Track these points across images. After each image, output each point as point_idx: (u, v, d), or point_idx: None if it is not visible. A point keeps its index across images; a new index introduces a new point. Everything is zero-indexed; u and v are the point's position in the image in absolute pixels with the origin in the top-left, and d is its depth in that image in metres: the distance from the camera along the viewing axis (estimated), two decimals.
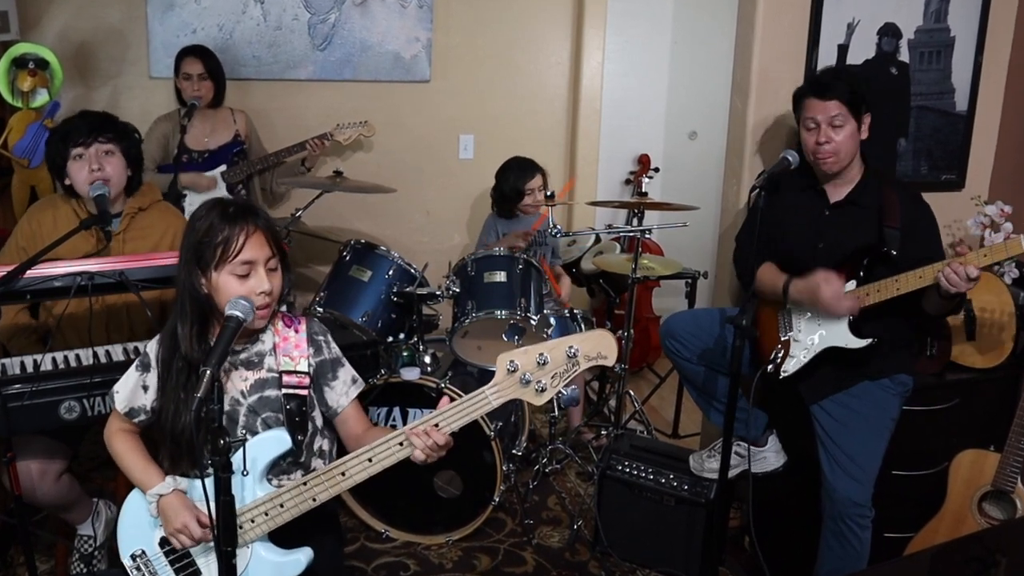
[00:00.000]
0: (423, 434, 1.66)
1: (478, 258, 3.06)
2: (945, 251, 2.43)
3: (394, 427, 2.83)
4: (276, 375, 1.82)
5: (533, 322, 2.94)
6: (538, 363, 1.62)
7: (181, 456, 1.79)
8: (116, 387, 1.86)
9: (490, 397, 1.65)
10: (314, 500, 1.72)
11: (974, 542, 1.95)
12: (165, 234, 2.49)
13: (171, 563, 1.78)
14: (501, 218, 3.69)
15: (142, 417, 1.84)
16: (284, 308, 1.89)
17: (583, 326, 3.40)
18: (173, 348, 1.78)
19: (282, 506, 1.73)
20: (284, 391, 1.81)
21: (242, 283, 1.72)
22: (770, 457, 2.63)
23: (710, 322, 2.62)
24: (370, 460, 1.70)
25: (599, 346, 1.63)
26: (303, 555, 1.77)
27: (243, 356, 1.82)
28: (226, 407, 1.79)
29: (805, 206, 2.48)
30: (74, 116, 2.45)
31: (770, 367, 2.41)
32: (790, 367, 2.40)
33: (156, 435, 1.85)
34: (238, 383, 1.81)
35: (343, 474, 1.71)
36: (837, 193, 2.46)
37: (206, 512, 1.70)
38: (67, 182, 2.41)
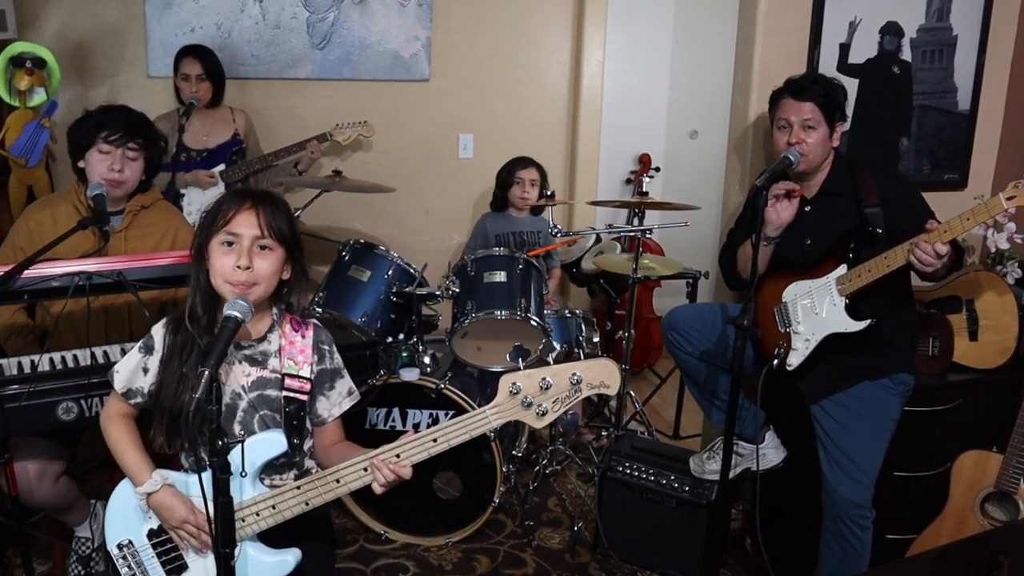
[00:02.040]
0: (387, 469, 1.69)
1: (478, 258, 3.06)
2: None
3: (393, 428, 2.86)
4: (279, 376, 1.84)
5: (533, 324, 2.94)
6: (541, 387, 1.66)
7: (178, 434, 1.79)
8: (116, 367, 1.87)
9: (490, 417, 1.68)
10: (307, 504, 1.73)
11: (977, 544, 1.95)
12: (166, 233, 2.50)
13: (158, 555, 1.79)
14: (494, 212, 3.71)
15: (139, 399, 1.84)
16: (284, 307, 1.90)
17: (582, 325, 3.41)
18: (180, 323, 1.81)
19: (274, 507, 1.73)
20: (285, 394, 1.83)
21: (225, 253, 1.75)
22: (769, 454, 2.63)
23: (712, 316, 2.62)
24: (366, 470, 1.71)
25: (602, 375, 1.66)
26: (291, 556, 1.77)
27: (248, 352, 1.83)
28: (227, 399, 1.80)
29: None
30: (116, 108, 2.45)
31: (775, 362, 2.42)
32: (794, 360, 2.40)
33: (153, 412, 1.84)
34: (240, 377, 1.82)
35: (338, 481, 1.72)
36: (811, 189, 2.49)
37: (200, 508, 1.71)
38: (81, 165, 2.41)
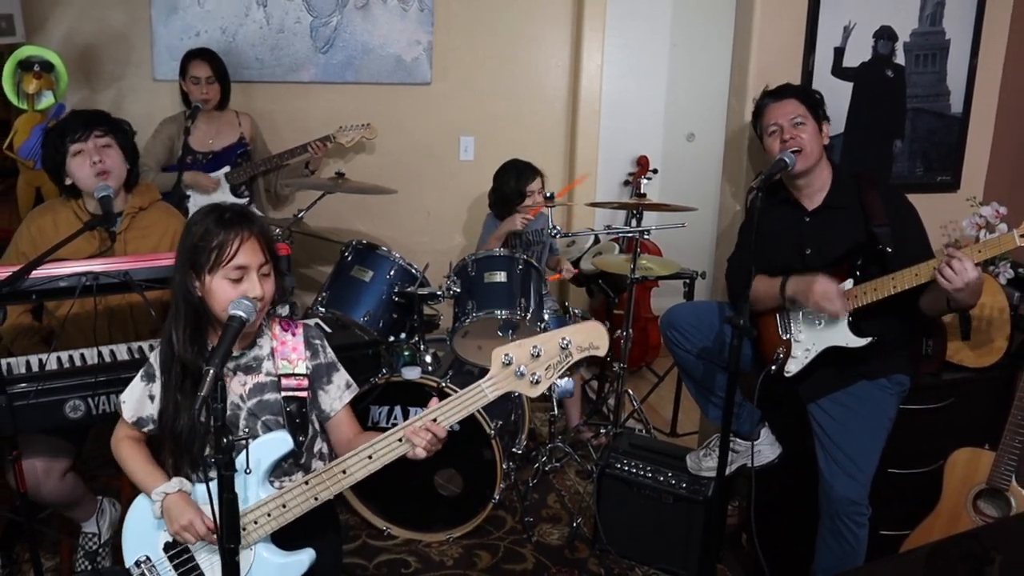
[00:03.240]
0: (423, 431, 1.67)
1: (478, 258, 3.06)
2: (938, 250, 2.42)
3: (395, 425, 2.86)
4: (275, 379, 1.83)
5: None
6: (532, 355, 1.64)
7: (181, 455, 1.80)
8: (123, 396, 1.88)
9: (486, 390, 1.67)
10: (316, 499, 1.73)
11: (969, 539, 1.95)
12: (165, 234, 2.50)
13: (175, 567, 1.79)
14: (499, 220, 3.70)
15: (150, 427, 1.86)
16: (287, 309, 1.90)
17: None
18: (170, 351, 1.79)
19: (284, 506, 1.73)
20: (284, 393, 1.82)
21: (235, 287, 1.73)
22: (765, 450, 2.63)
23: (710, 315, 2.62)
24: (370, 457, 1.71)
25: (591, 336, 1.65)
26: (306, 556, 1.78)
27: (242, 361, 1.83)
28: (228, 412, 1.79)
29: (784, 218, 2.48)
30: (65, 117, 2.47)
31: (773, 368, 2.41)
32: (793, 367, 2.40)
33: (160, 437, 1.86)
34: (236, 387, 1.82)
35: (344, 472, 1.71)
36: (813, 200, 2.46)
37: (210, 515, 1.71)
38: (68, 182, 2.40)
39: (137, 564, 1.80)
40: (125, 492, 2.48)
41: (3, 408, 1.89)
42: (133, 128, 2.56)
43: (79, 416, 2.05)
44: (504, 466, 2.85)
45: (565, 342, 1.64)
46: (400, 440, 1.69)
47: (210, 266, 1.72)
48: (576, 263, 4.13)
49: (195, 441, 1.77)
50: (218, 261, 1.72)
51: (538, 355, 1.64)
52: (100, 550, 2.52)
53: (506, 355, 1.64)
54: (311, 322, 2.10)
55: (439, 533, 2.92)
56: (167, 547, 1.79)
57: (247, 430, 1.81)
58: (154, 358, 1.85)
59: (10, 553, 2.61)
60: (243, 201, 3.59)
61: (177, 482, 1.77)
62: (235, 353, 1.82)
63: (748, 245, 2.53)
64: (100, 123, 2.40)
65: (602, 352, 1.66)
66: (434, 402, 1.71)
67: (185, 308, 1.77)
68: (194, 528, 1.71)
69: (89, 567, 2.50)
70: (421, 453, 1.69)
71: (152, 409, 1.85)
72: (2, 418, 1.90)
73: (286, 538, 1.79)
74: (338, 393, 1.92)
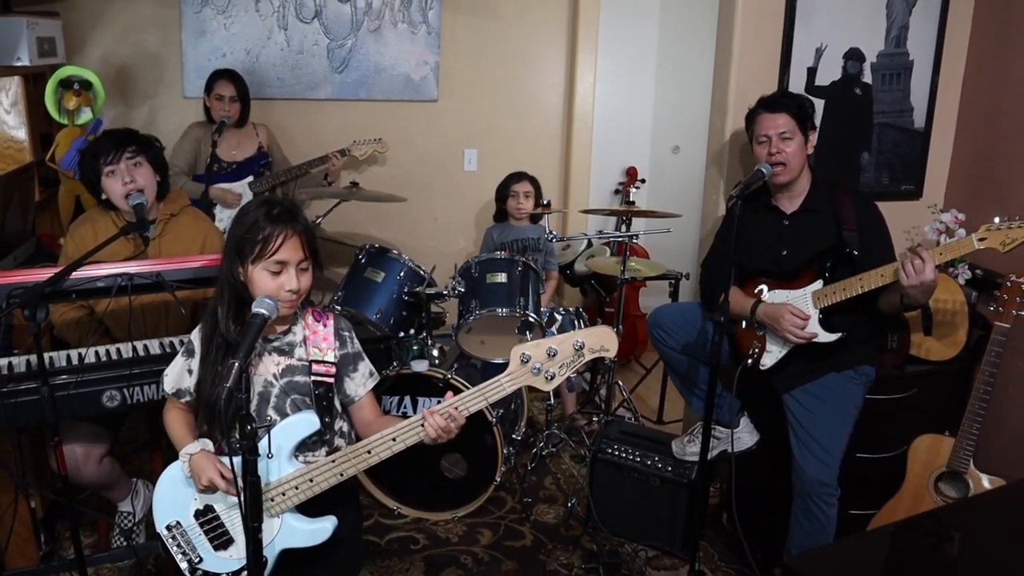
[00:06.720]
0: (439, 416, 1.70)
1: (481, 260, 3.07)
2: (902, 253, 2.41)
3: (404, 415, 2.87)
4: (305, 363, 1.84)
5: (532, 320, 2.95)
6: (548, 355, 1.67)
7: (213, 423, 1.81)
8: (166, 371, 1.89)
9: (505, 384, 1.69)
10: (342, 475, 1.74)
11: (931, 519, 1.96)
12: (196, 238, 2.50)
13: (205, 533, 1.79)
14: (497, 223, 3.72)
15: (188, 398, 1.87)
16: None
17: (576, 322, 3.41)
18: (213, 326, 1.81)
19: (311, 481, 1.74)
20: (314, 378, 1.83)
21: (273, 279, 1.74)
22: (744, 437, 2.63)
23: (693, 314, 2.62)
24: (394, 439, 1.73)
25: (602, 340, 1.69)
26: (329, 523, 1.78)
27: (276, 344, 1.84)
28: (260, 388, 1.81)
29: (763, 221, 2.48)
30: (98, 138, 2.45)
31: (749, 361, 2.41)
32: (768, 361, 2.40)
33: (196, 407, 1.87)
34: (271, 367, 1.82)
35: (369, 452, 1.73)
36: (791, 205, 2.46)
37: (229, 468, 1.70)
38: (103, 196, 2.41)
39: (168, 528, 1.80)
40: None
41: (45, 398, 1.89)
42: (161, 143, 2.55)
43: (115, 405, 2.05)
44: (504, 451, 2.85)
45: (579, 344, 1.67)
46: (423, 426, 1.71)
47: (253, 257, 1.74)
48: (571, 265, 4.13)
49: (227, 407, 1.78)
50: (261, 254, 1.73)
51: (554, 355, 1.67)
52: (135, 528, 2.52)
53: (524, 354, 1.67)
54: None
55: (445, 512, 2.92)
56: (197, 514, 1.79)
57: (276, 409, 1.81)
58: (195, 335, 1.86)
59: (52, 530, 2.62)
60: None
61: (200, 443, 1.79)
62: (271, 336, 1.83)
63: (725, 249, 2.53)
64: (129, 143, 2.38)
65: (612, 354, 1.70)
66: (449, 395, 1.73)
67: (229, 290, 1.79)
68: (213, 484, 1.72)
69: (125, 543, 2.50)
70: (431, 432, 1.71)
71: (189, 382, 1.85)
72: (45, 407, 1.90)
73: (312, 508, 1.79)
74: (362, 380, 1.92)
